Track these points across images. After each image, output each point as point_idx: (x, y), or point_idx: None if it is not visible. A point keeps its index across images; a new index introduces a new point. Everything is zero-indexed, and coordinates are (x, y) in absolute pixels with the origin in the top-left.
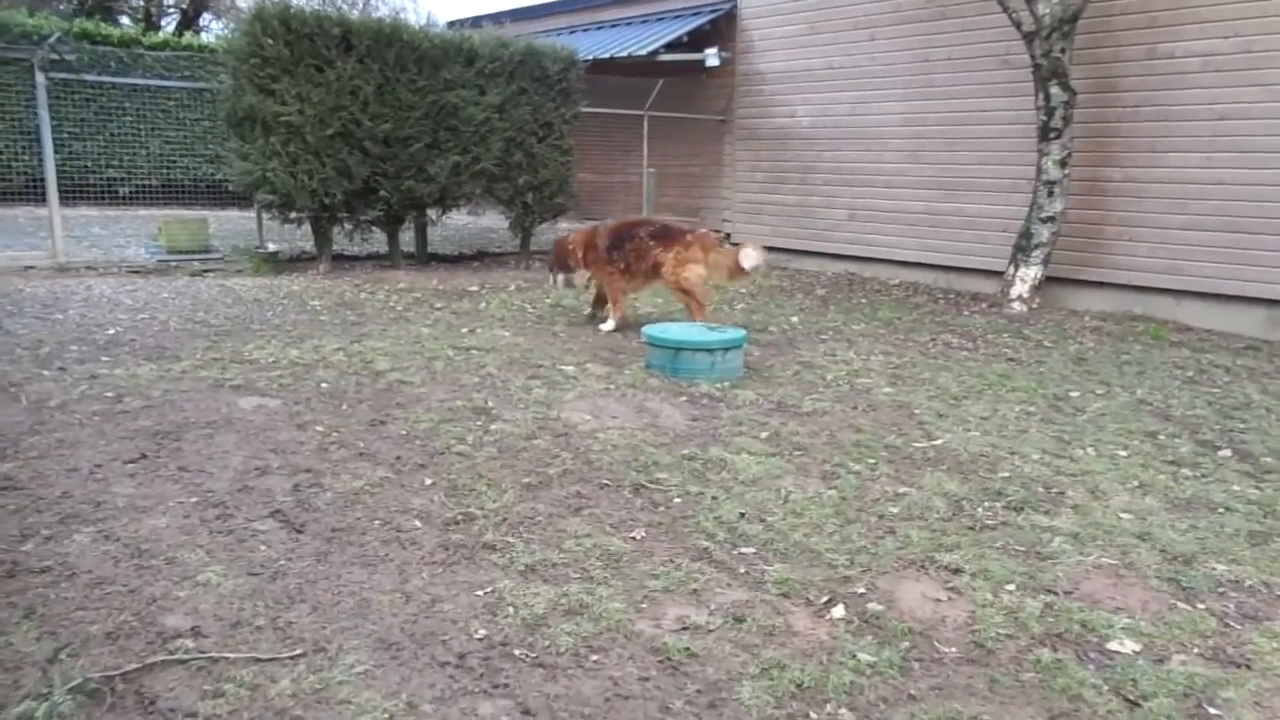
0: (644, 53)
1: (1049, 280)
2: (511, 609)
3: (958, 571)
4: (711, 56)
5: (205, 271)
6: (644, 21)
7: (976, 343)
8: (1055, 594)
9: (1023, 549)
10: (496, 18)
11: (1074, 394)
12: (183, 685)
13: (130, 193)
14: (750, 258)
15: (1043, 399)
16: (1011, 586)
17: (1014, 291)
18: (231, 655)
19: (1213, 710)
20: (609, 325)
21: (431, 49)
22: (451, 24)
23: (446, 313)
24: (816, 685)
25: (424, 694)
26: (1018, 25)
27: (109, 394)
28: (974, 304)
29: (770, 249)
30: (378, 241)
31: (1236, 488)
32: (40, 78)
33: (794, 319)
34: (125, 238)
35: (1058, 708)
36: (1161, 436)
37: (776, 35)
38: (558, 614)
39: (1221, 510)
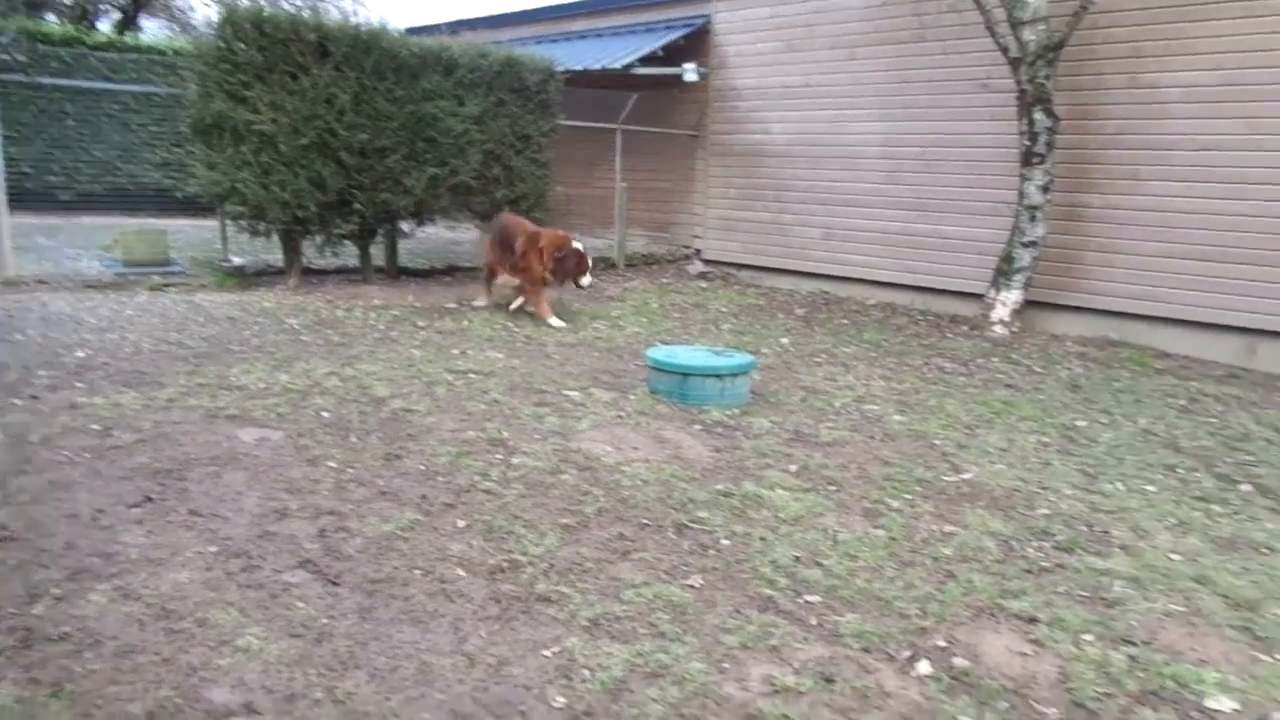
0: (618, 66)
1: (1028, 304)
2: (587, 671)
3: (1032, 620)
4: (690, 72)
5: (167, 286)
6: (615, 34)
7: (969, 367)
8: (1135, 645)
9: (1087, 594)
10: (469, 24)
11: (1080, 423)
12: None
13: (72, 200)
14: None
15: (1053, 429)
16: (1090, 637)
17: (995, 315)
18: None
19: None
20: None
21: (410, 57)
22: (413, 30)
23: (431, 332)
24: None
25: None
26: (1004, 50)
27: (95, 426)
28: (955, 326)
29: (743, 266)
30: (347, 255)
31: (1270, 525)
32: None
33: (784, 340)
34: (74, 248)
35: None
36: (1180, 470)
37: (752, 52)
38: (638, 677)
39: (1266, 551)
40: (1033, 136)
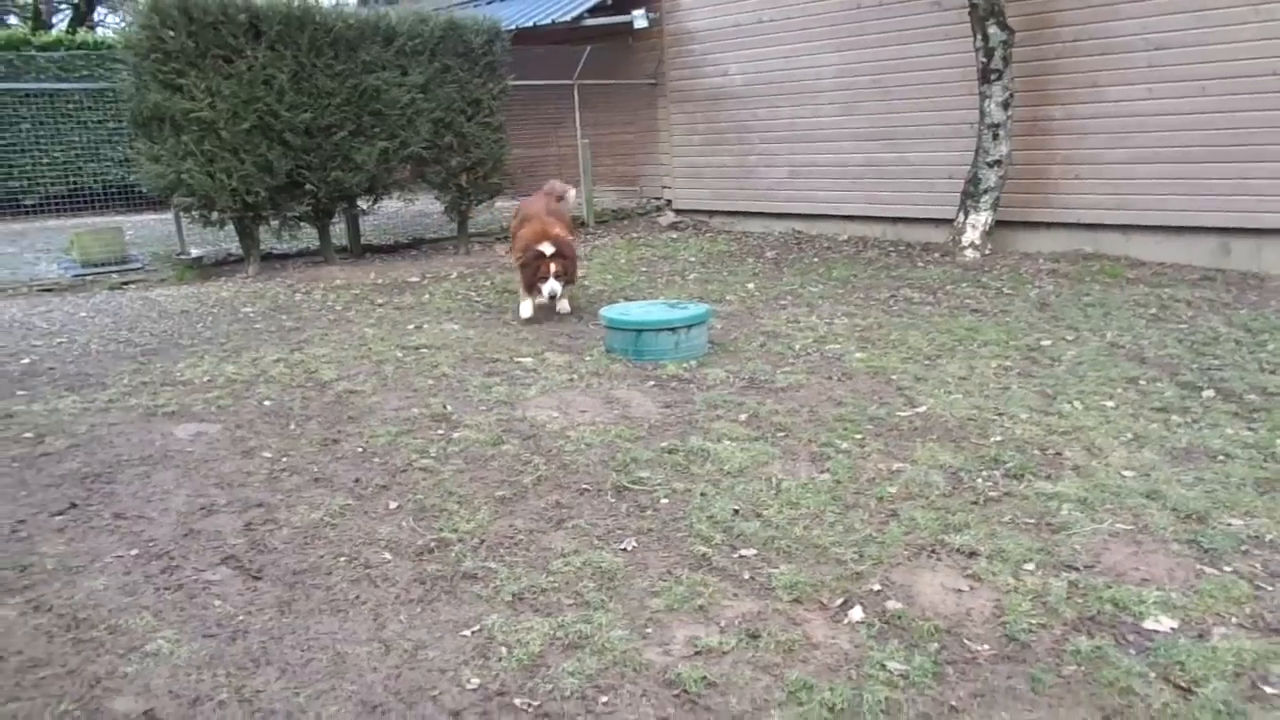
0: (568, 19)
1: (999, 224)
2: (504, 649)
3: (973, 555)
4: (639, 18)
5: (125, 284)
6: None
7: (937, 295)
8: (1077, 570)
9: (1033, 521)
10: None
11: (1045, 343)
12: None
13: (36, 204)
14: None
15: (1016, 351)
16: (1031, 566)
17: (965, 239)
18: None
19: (1269, 689)
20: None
21: (346, 30)
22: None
23: (389, 309)
24: (851, 707)
25: None
26: None
27: (28, 434)
28: (926, 254)
29: (714, 213)
30: (308, 237)
31: (1230, 430)
32: None
33: (750, 285)
34: (34, 253)
35: (1110, 705)
36: (1142, 381)
37: None
38: (556, 650)
39: (1222, 458)
40: (988, 52)
